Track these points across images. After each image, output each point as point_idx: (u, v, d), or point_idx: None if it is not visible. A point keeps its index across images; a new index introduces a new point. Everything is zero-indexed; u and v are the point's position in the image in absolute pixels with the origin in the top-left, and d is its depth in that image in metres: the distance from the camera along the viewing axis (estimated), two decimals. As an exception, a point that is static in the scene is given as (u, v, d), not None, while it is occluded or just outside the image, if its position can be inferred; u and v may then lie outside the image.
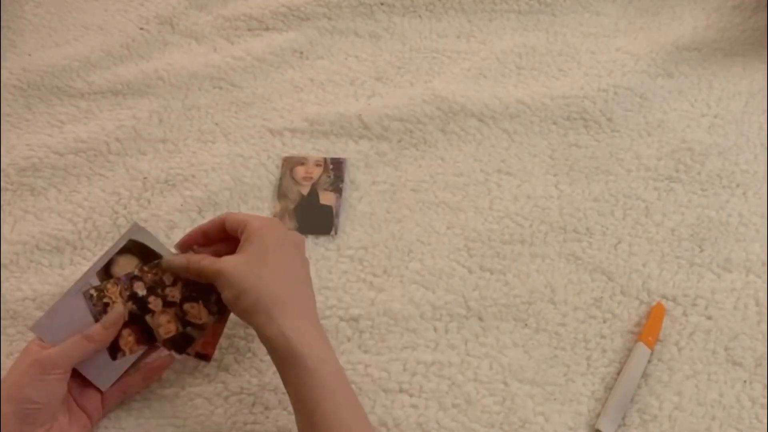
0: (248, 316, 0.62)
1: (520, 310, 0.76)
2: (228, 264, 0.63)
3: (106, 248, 0.80)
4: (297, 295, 0.63)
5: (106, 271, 0.68)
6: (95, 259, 0.79)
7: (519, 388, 0.71)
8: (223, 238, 0.68)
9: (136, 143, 0.89)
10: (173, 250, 0.70)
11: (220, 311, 0.69)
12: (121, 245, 0.69)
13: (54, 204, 0.84)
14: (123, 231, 0.81)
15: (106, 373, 0.67)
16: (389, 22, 1.01)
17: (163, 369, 0.71)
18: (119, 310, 0.67)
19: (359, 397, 0.71)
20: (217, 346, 0.72)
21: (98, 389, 0.67)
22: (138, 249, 0.69)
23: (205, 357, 0.70)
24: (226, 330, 0.74)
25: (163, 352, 0.70)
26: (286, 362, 0.60)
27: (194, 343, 0.69)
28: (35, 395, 0.62)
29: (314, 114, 0.91)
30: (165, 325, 0.68)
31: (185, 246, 0.70)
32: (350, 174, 0.86)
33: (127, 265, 0.69)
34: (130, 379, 0.69)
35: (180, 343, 0.68)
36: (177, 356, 0.69)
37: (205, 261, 0.65)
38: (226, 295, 0.63)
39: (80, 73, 0.95)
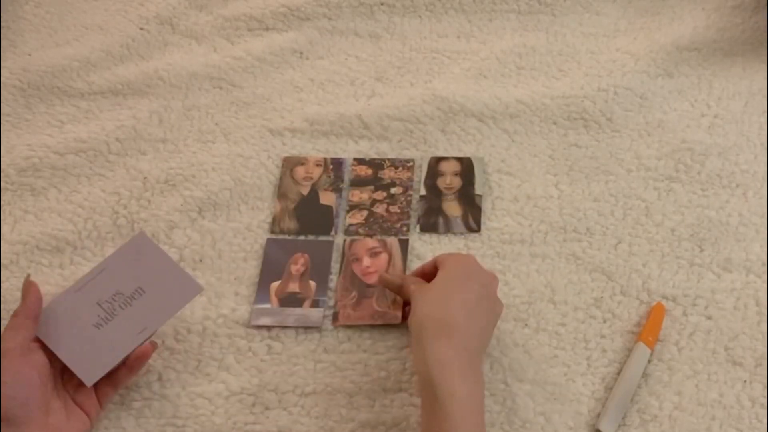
0: (413, 340, 0.65)
1: (520, 310, 0.76)
2: (417, 288, 0.69)
3: (106, 248, 0.80)
4: (459, 324, 0.64)
5: None
6: (95, 260, 0.80)
7: (519, 388, 0.71)
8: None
9: (136, 143, 0.89)
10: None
11: None
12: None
13: (54, 204, 0.84)
14: (123, 231, 0.82)
15: (93, 368, 0.66)
16: (389, 22, 1.01)
17: (146, 357, 0.69)
18: (29, 281, 0.68)
19: (359, 396, 0.71)
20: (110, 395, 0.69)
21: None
22: None
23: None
24: (227, 330, 0.75)
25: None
26: (423, 389, 0.62)
27: None
28: (11, 390, 0.61)
29: (314, 114, 0.91)
30: None
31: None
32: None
33: None
34: (117, 371, 0.68)
35: None
36: None
37: (412, 283, 0.71)
38: (410, 317, 0.67)
39: (80, 73, 0.95)
